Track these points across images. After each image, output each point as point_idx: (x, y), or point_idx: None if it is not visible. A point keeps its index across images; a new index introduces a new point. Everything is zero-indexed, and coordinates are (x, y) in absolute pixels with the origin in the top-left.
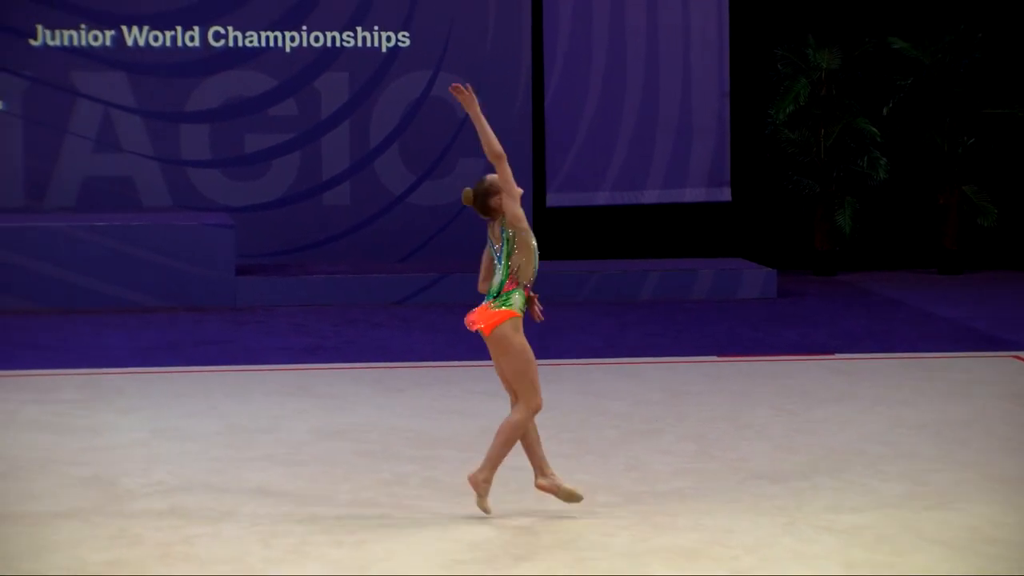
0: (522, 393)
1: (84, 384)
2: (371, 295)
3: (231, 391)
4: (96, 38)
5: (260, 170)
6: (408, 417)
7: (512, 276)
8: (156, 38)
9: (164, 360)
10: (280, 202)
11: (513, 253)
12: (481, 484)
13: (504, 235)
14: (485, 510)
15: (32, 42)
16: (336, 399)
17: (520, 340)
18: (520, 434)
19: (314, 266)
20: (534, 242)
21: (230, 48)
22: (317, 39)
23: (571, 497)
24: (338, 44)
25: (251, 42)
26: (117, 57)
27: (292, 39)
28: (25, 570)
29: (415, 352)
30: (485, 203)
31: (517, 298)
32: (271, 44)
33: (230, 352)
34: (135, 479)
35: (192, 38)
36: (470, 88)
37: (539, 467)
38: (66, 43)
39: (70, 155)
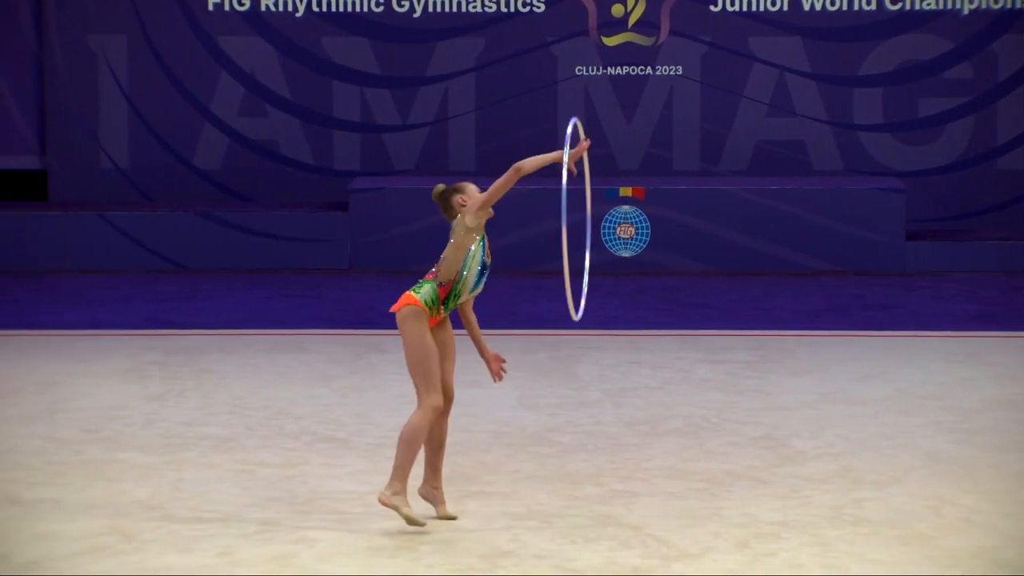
0: (418, 389)
1: (755, 346)
2: None
3: (899, 356)
4: (774, 3)
5: (932, 134)
6: None
7: (436, 267)
8: (833, 2)
9: (831, 324)
10: (952, 167)
11: (448, 244)
12: (392, 499)
13: (452, 228)
14: (412, 521)
15: (712, 8)
16: (1007, 368)
17: (420, 331)
18: (422, 437)
19: (986, 232)
20: (475, 250)
21: (906, 11)
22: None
23: (445, 516)
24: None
25: (927, 5)
26: (793, 22)
27: (971, 1)
28: (658, 525)
29: None
30: (448, 201)
31: (428, 290)
32: (947, 6)
33: (898, 317)
34: (806, 441)
35: (869, 1)
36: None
37: (430, 473)
38: (744, 8)
39: (745, 119)
